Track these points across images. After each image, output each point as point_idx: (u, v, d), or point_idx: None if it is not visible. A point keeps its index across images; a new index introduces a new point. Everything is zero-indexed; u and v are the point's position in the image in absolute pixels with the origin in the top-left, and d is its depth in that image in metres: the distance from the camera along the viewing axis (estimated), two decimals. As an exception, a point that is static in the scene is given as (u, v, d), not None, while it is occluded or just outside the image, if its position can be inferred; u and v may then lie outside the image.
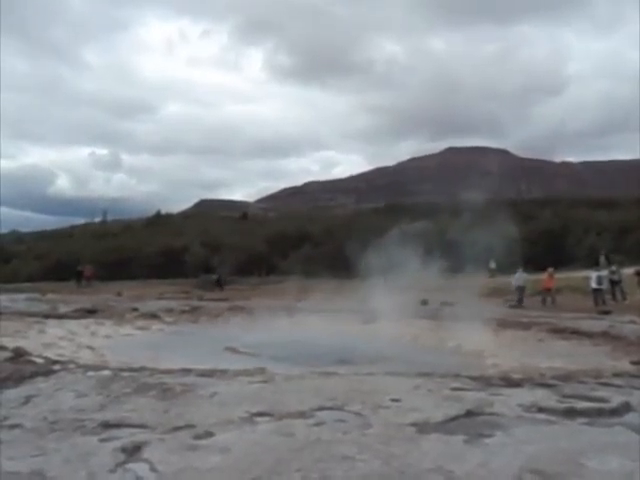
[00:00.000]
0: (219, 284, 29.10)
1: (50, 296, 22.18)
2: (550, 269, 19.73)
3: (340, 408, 4.16)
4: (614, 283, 18.78)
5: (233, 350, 10.23)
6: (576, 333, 11.08)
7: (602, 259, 25.61)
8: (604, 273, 18.93)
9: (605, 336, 10.50)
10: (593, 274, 18.35)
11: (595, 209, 46.56)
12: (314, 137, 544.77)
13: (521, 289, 19.02)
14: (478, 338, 10.76)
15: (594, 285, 17.98)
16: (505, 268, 21.94)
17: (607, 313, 14.84)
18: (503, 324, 12.40)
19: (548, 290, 18.87)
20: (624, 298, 18.28)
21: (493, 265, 26.07)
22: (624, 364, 7.71)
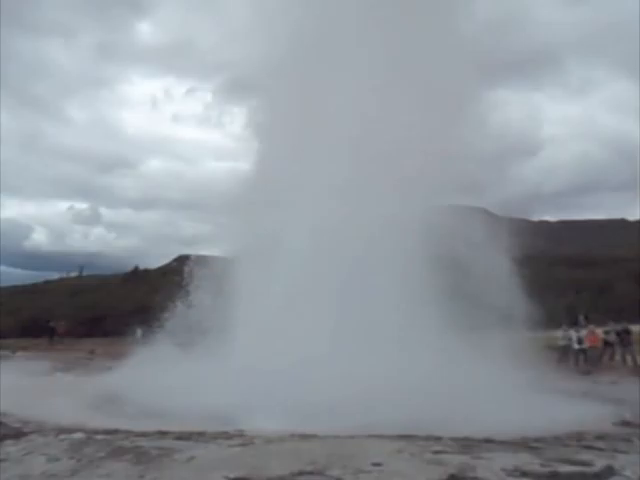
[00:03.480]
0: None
1: (21, 353, 21.52)
2: (591, 326, 18.47)
3: (321, 473, 4.07)
4: (607, 344, 17.66)
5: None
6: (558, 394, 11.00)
7: (581, 318, 25.76)
8: (584, 333, 18.63)
9: (586, 397, 10.47)
10: (573, 334, 17.84)
11: (573, 268, 47.17)
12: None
13: (582, 350, 17.39)
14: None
15: (576, 346, 17.44)
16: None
17: (588, 373, 14.84)
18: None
19: (595, 348, 17.36)
20: (612, 359, 17.49)
21: None
22: (606, 425, 7.67)
